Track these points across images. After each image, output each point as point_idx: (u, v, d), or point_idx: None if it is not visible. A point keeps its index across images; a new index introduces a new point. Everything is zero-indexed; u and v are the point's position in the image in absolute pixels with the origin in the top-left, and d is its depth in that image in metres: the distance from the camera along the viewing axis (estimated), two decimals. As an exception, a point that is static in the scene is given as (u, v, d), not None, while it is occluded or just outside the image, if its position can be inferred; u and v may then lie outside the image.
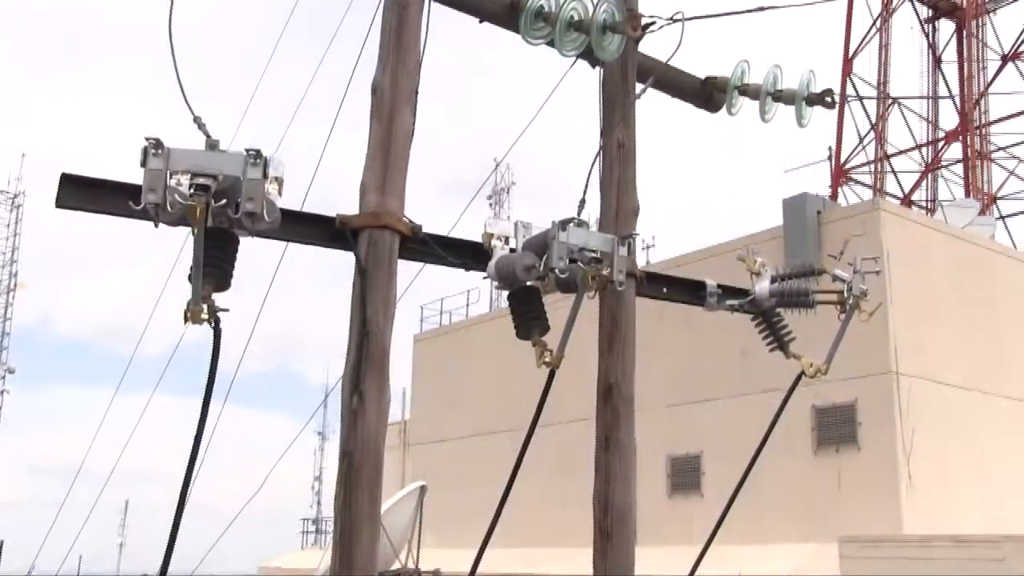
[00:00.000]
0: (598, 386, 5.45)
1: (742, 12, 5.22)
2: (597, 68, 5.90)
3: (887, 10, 29.74)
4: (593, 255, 4.64)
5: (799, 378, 5.63)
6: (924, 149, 29.92)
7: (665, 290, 5.75)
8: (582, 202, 4.69)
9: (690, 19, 5.13)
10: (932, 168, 29.47)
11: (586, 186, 4.74)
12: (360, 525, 4.38)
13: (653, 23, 5.38)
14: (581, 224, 4.64)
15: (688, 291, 5.84)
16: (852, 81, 29.41)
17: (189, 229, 3.89)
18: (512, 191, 40.13)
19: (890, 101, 29.57)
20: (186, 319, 3.93)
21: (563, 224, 4.55)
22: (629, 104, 5.60)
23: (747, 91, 5.95)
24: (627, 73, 5.71)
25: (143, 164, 3.74)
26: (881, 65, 29.62)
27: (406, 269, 5.04)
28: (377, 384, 4.57)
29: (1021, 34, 29.30)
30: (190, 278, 4.03)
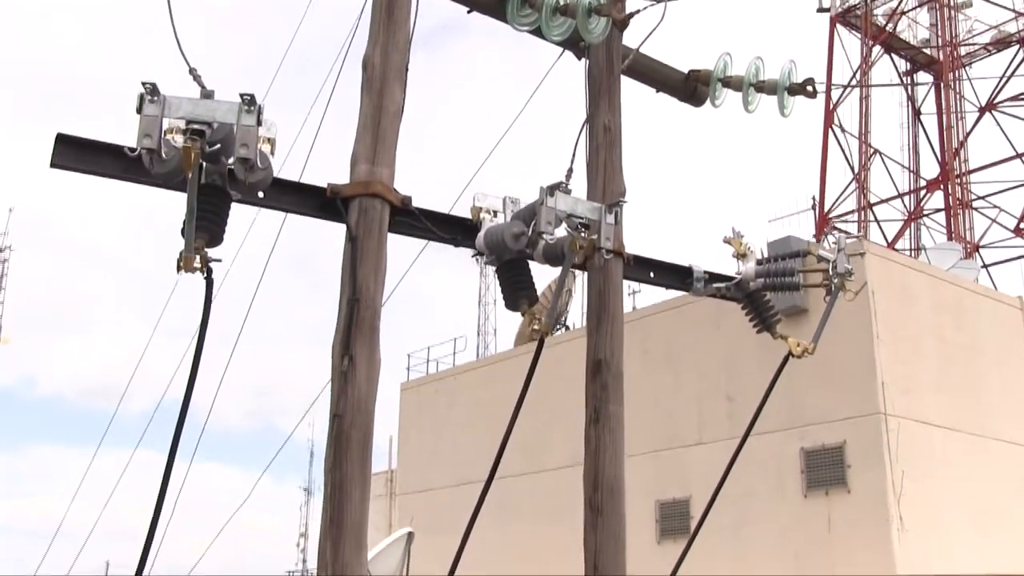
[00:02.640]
0: (587, 362, 5.49)
1: (724, -9, 5.34)
2: (583, 60, 6.03)
3: (866, 63, 30.29)
4: (580, 221, 4.71)
5: (786, 359, 5.67)
6: (906, 198, 30.29)
7: (652, 274, 5.81)
8: (570, 170, 4.77)
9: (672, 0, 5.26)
10: (915, 217, 29.79)
11: (573, 155, 4.82)
12: (351, 483, 4.37)
13: (638, 11, 5.51)
14: (568, 191, 4.71)
15: (675, 276, 5.90)
16: (834, 132, 29.85)
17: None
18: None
19: (872, 151, 29.99)
20: (179, 268, 3.98)
21: (551, 189, 4.61)
22: (614, 87, 5.72)
23: (730, 83, 6.08)
24: (612, 57, 5.84)
25: (139, 110, 3.80)
26: (862, 116, 30.09)
27: (401, 257, 5.09)
28: (368, 348, 4.59)
29: (996, 86, 29.90)
30: (183, 231, 4.09)
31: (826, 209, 29.84)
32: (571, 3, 5.27)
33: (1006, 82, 29.87)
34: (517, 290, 4.99)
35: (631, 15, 5.51)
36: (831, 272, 5.63)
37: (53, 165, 4.31)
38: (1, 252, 37.77)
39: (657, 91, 6.32)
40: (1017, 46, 30.13)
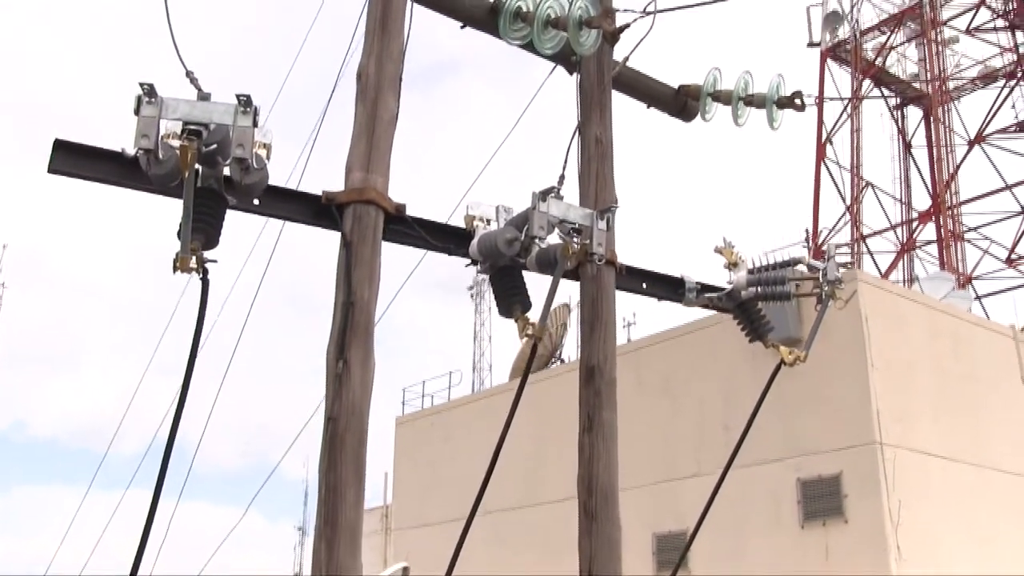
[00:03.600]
0: (580, 369, 5.52)
1: (711, 2, 5.45)
2: (575, 75, 6.12)
3: (856, 97, 30.60)
4: (572, 227, 4.76)
5: (778, 368, 5.70)
6: (899, 230, 30.48)
7: (644, 285, 5.86)
8: (562, 177, 4.83)
9: (662, 11, 5.37)
10: (907, 249, 29.95)
11: (565, 161, 4.89)
12: (346, 484, 4.39)
13: (628, 26, 5.60)
14: (561, 197, 4.77)
15: (667, 287, 5.95)
16: (826, 165, 30.09)
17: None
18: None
19: (864, 183, 30.22)
20: (175, 268, 4.02)
21: (543, 195, 4.67)
22: (605, 100, 5.80)
23: (720, 97, 6.17)
24: (603, 71, 5.93)
25: (136, 112, 3.86)
26: (853, 150, 30.35)
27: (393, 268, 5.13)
28: (362, 352, 4.62)
29: (985, 119, 30.20)
30: (179, 233, 4.13)
31: (819, 241, 29.99)
32: (562, 16, 5.36)
33: (994, 115, 30.21)
34: (510, 296, 5.04)
35: (621, 29, 5.61)
36: (821, 280, 5.68)
37: (51, 171, 4.37)
38: (-6, 290, 37.75)
39: (648, 106, 6.41)
40: (1004, 80, 30.49)
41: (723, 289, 5.88)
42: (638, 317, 26.02)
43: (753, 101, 6.10)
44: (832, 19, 30.98)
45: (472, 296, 41.46)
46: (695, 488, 21.48)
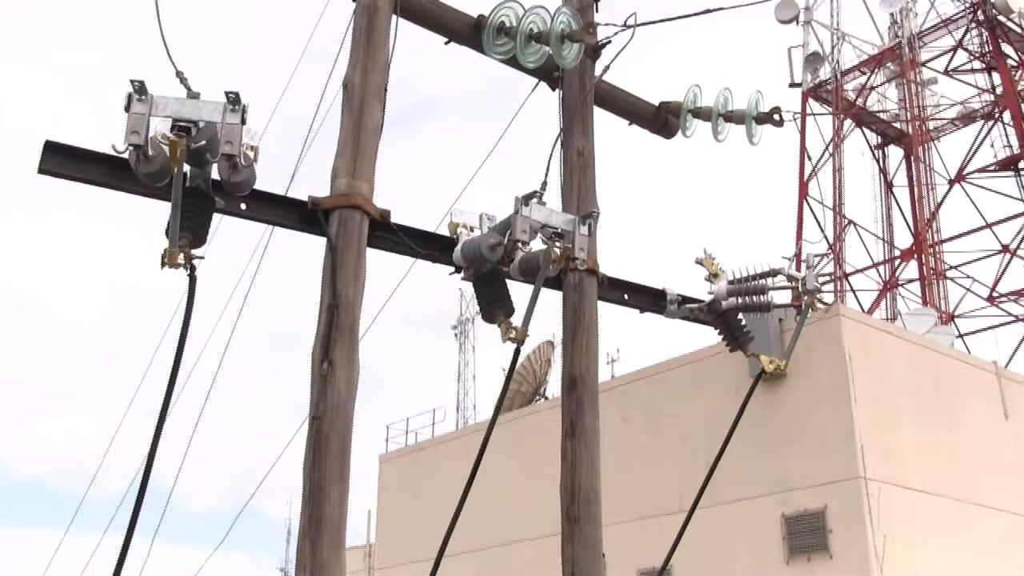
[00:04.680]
0: (562, 377, 5.58)
1: (690, 15, 5.58)
2: (557, 91, 6.24)
3: (838, 136, 30.97)
4: (555, 231, 4.84)
5: (759, 376, 5.76)
6: (881, 268, 30.70)
7: (626, 296, 5.93)
8: (544, 183, 4.91)
9: (642, 24, 5.48)
10: (890, 287, 30.15)
11: (547, 168, 4.98)
12: (330, 483, 4.41)
13: (609, 42, 5.72)
14: (543, 203, 4.85)
15: (649, 298, 6.02)
16: (808, 203, 30.35)
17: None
18: (476, 321, 40.28)
19: (846, 222, 30.49)
20: (163, 263, 4.08)
21: (525, 199, 4.75)
22: (587, 114, 5.91)
23: (700, 113, 6.29)
24: (585, 85, 6.05)
25: (127, 109, 3.93)
26: (835, 188, 30.65)
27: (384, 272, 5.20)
28: (347, 353, 4.67)
29: (965, 158, 30.57)
30: (167, 231, 4.19)
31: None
32: (545, 30, 5.48)
33: (973, 154, 30.59)
34: (492, 302, 5.10)
35: (603, 44, 5.73)
36: (801, 290, 5.76)
37: (41, 171, 4.42)
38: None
39: (630, 123, 6.52)
40: (982, 121, 30.92)
41: (704, 301, 5.95)
42: (622, 353, 26.10)
43: (733, 117, 6.21)
44: (813, 60, 31.40)
45: (456, 335, 41.47)
46: (678, 523, 21.36)
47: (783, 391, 19.87)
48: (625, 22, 5.59)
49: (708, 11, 6.00)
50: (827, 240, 29.97)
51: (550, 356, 28.29)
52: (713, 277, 5.76)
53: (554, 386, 28.77)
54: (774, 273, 5.82)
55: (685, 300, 6.05)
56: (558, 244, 4.84)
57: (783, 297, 5.80)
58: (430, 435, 28.34)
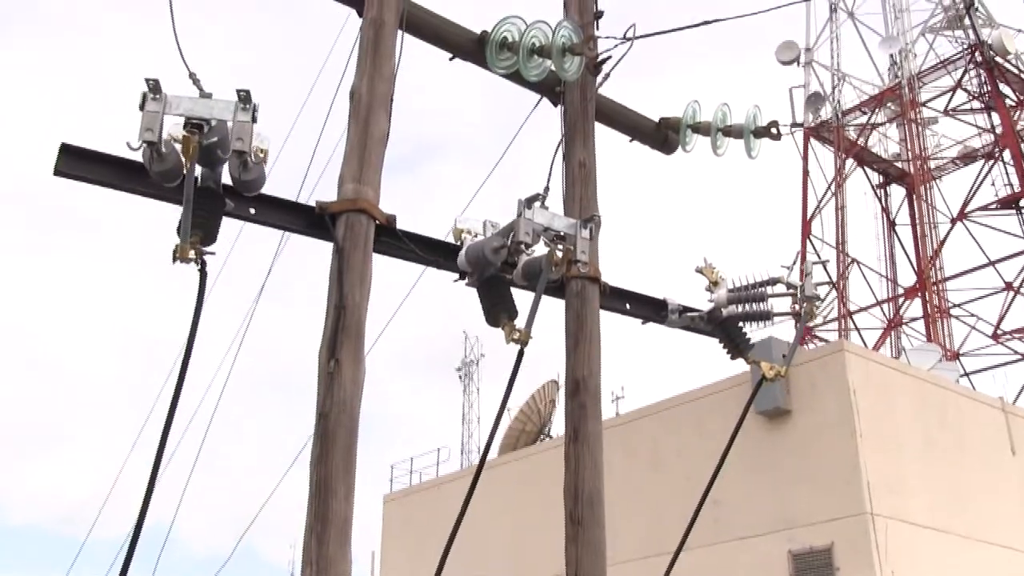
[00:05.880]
0: (566, 382, 5.66)
1: (688, 27, 5.73)
2: (559, 106, 6.38)
3: (840, 176, 31.21)
4: (557, 234, 4.95)
5: (760, 383, 5.83)
6: (885, 306, 30.78)
7: (628, 306, 6.02)
8: (546, 188, 5.03)
9: (640, 37, 5.63)
10: (894, 325, 30.21)
11: (549, 174, 5.10)
12: (336, 479, 4.47)
13: (610, 56, 5.87)
14: (546, 207, 4.96)
15: (650, 308, 6.11)
16: (811, 242, 30.52)
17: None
18: (481, 363, 40.25)
19: (849, 260, 30.63)
20: (175, 258, 4.18)
21: (528, 202, 4.87)
22: (589, 127, 6.05)
23: (699, 128, 6.43)
24: (586, 99, 6.19)
25: (141, 107, 4.06)
26: (838, 226, 30.84)
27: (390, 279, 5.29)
28: (352, 353, 4.76)
29: (967, 197, 30.78)
30: (178, 229, 4.30)
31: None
32: (546, 44, 5.63)
33: (975, 193, 30.80)
34: (496, 305, 5.19)
35: (603, 60, 5.87)
36: (799, 297, 5.84)
37: (57, 173, 4.55)
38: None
39: (631, 139, 6.66)
40: (983, 160, 31.17)
41: (704, 311, 6.03)
42: (626, 391, 26.09)
43: (731, 132, 6.35)
44: (814, 100, 31.74)
45: (461, 377, 41.47)
46: (684, 562, 21.30)
47: (788, 427, 19.86)
48: (624, 34, 5.76)
49: (706, 22, 6.17)
50: (830, 278, 30.07)
51: (554, 396, 28.30)
52: (713, 285, 5.85)
53: (559, 426, 28.73)
54: (773, 282, 5.92)
55: (686, 310, 6.14)
56: (560, 247, 4.95)
57: (782, 305, 5.89)
58: (434, 475, 28.29)
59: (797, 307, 5.85)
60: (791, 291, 5.88)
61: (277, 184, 5.19)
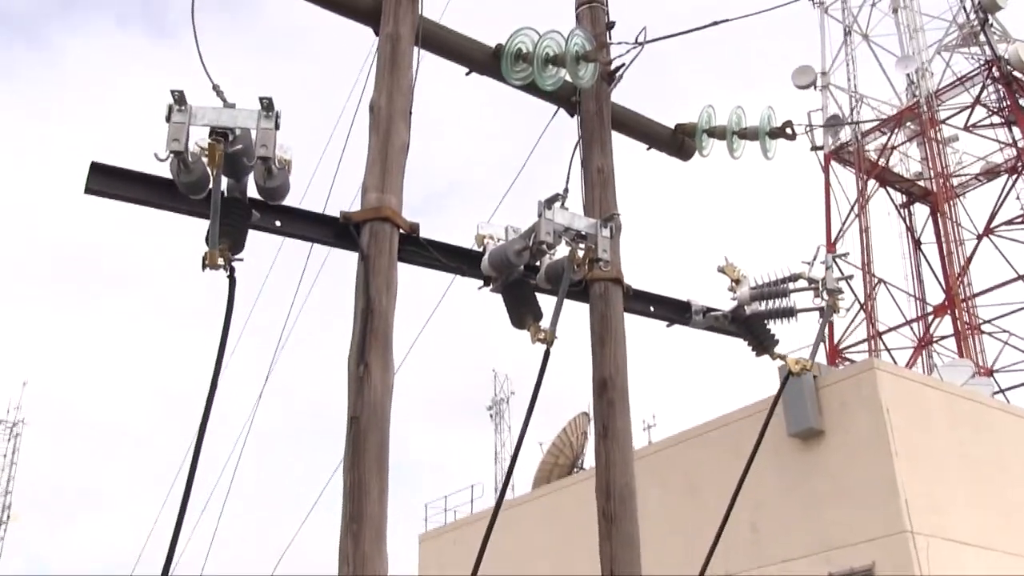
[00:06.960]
0: (593, 381, 5.72)
1: (699, 28, 5.83)
2: (575, 116, 6.49)
3: (863, 196, 31.13)
4: (578, 233, 5.03)
5: (787, 377, 5.85)
6: (915, 325, 30.56)
7: (652, 308, 6.08)
8: (566, 189, 5.11)
9: (651, 41, 5.74)
10: (925, 343, 29.97)
11: (568, 175, 5.19)
12: (369, 480, 4.53)
13: (623, 64, 5.98)
14: (566, 208, 5.05)
15: (674, 310, 6.16)
16: (837, 264, 30.32)
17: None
18: (511, 401, 40.18)
19: (876, 281, 30.48)
20: (204, 265, 4.29)
21: (548, 202, 4.95)
22: (605, 133, 6.15)
23: (715, 132, 6.52)
24: (601, 106, 6.30)
25: (168, 118, 4.20)
26: (863, 248, 30.73)
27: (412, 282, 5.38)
28: (381, 356, 4.83)
29: (992, 212, 30.59)
30: (207, 239, 4.41)
31: (835, 340, 30.08)
32: (560, 53, 5.75)
33: (999, 208, 30.62)
34: (521, 307, 5.27)
35: (616, 68, 5.98)
36: (821, 290, 5.88)
37: (87, 191, 4.68)
38: (14, 426, 38.01)
39: (648, 147, 6.75)
40: (1006, 175, 31.03)
41: (727, 310, 6.08)
42: (658, 419, 25.99)
43: (747, 134, 6.43)
44: (833, 122, 31.76)
45: (492, 416, 41.42)
46: (725, 587, 21.11)
47: (822, 448, 19.73)
48: (636, 38, 5.88)
49: (715, 23, 6.28)
50: (857, 300, 29.95)
51: (586, 428, 28.25)
52: (735, 284, 5.91)
53: (591, 459, 28.63)
54: (795, 278, 5.97)
55: (709, 310, 6.19)
56: (581, 246, 5.02)
57: (804, 300, 5.93)
58: (468, 512, 28.21)
59: (820, 301, 5.88)
60: (813, 285, 5.92)
61: (300, 201, 5.31)
